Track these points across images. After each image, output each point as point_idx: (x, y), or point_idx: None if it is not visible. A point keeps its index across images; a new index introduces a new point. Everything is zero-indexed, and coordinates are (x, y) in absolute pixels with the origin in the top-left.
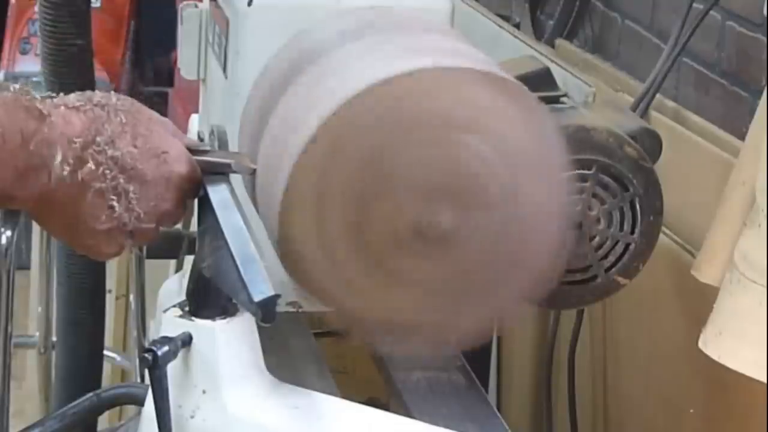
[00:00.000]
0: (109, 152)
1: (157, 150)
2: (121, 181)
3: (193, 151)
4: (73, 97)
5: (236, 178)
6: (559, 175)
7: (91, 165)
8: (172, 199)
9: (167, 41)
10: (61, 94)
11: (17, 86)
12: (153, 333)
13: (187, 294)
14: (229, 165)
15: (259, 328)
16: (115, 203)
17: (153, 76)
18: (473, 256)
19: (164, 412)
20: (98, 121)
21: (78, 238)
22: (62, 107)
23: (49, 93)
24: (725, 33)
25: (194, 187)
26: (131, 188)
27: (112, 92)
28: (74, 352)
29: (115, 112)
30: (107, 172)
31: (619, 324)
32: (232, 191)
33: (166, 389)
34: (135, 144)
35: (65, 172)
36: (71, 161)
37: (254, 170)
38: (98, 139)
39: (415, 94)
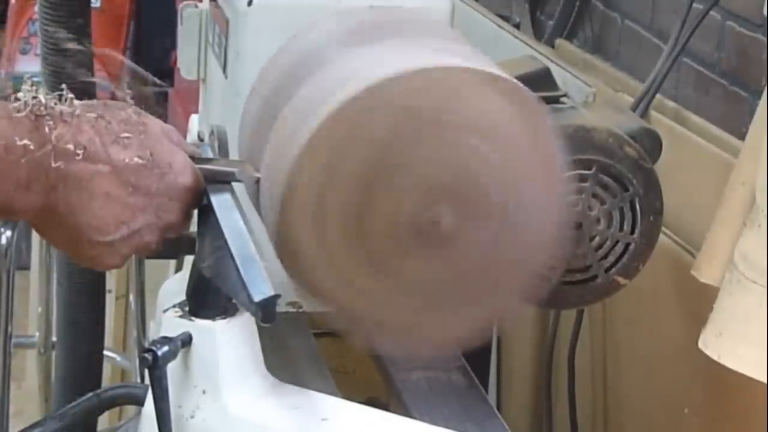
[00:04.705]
0: (113, 165)
1: (161, 161)
2: (125, 193)
3: (196, 159)
4: (80, 107)
5: (239, 185)
6: (559, 176)
7: (94, 177)
8: (176, 210)
9: (167, 41)
10: (67, 99)
11: (36, 96)
12: (153, 333)
13: (187, 294)
14: (233, 173)
15: (259, 328)
16: (118, 216)
17: (153, 77)
18: (473, 257)
19: (164, 412)
20: (103, 133)
21: (80, 249)
22: (67, 118)
23: (56, 95)
24: (725, 33)
25: (198, 197)
26: (135, 200)
27: (119, 101)
28: (74, 352)
29: (121, 123)
30: (110, 184)
31: (619, 324)
32: (235, 198)
33: (166, 389)
34: (140, 155)
35: (67, 184)
36: (74, 173)
37: (258, 179)
38: (102, 151)
39: (415, 94)
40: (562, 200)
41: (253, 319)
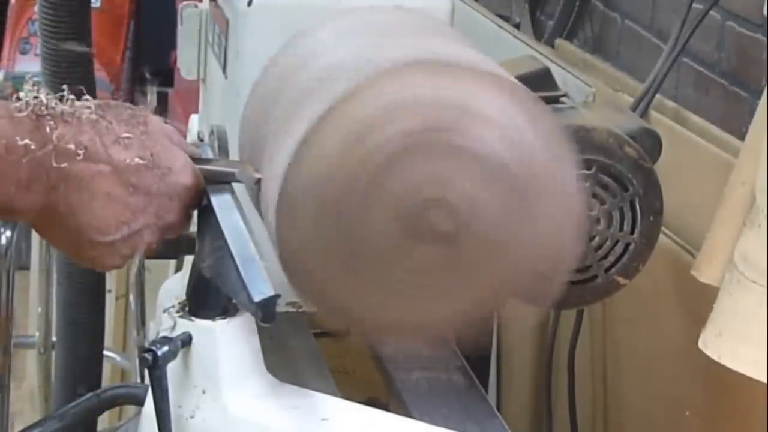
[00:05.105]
0: (114, 165)
1: (161, 162)
2: (125, 193)
3: (197, 160)
4: (81, 107)
5: (240, 186)
6: (563, 175)
7: (94, 178)
8: (176, 210)
9: (167, 41)
10: (68, 100)
11: (38, 96)
12: (153, 333)
13: (187, 294)
14: (233, 174)
15: (259, 328)
16: (118, 216)
17: (153, 76)
18: (473, 258)
19: (164, 412)
20: (104, 133)
21: (81, 250)
22: (68, 118)
23: (57, 96)
24: (725, 33)
25: (198, 198)
26: (135, 201)
27: (121, 102)
28: (74, 352)
29: (122, 123)
30: (111, 185)
31: (619, 324)
32: (235, 198)
33: (166, 389)
34: (141, 156)
35: (68, 185)
36: (74, 173)
37: (259, 179)
38: (103, 151)
39: (414, 94)
40: (569, 200)
41: (253, 319)
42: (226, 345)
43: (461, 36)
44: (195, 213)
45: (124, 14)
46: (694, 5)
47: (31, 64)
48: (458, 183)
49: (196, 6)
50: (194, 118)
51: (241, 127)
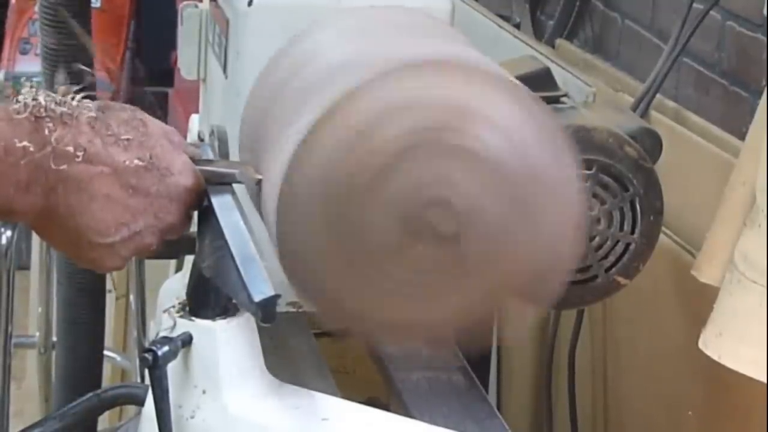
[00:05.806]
0: (113, 166)
1: (161, 163)
2: (125, 194)
3: (197, 161)
4: (80, 108)
5: (240, 187)
6: (564, 175)
7: (94, 179)
8: (176, 211)
9: (167, 41)
10: (67, 101)
11: (36, 98)
12: (153, 333)
13: (187, 294)
14: (233, 175)
15: (259, 328)
16: (118, 217)
17: (153, 76)
18: (474, 259)
19: (164, 412)
20: (103, 135)
21: (80, 251)
22: (67, 119)
23: (56, 97)
24: (725, 33)
25: (198, 199)
26: (135, 202)
27: (120, 103)
28: (74, 352)
29: (121, 124)
30: (110, 186)
31: (619, 324)
32: (236, 199)
33: (166, 389)
34: (140, 157)
35: (67, 186)
36: (74, 175)
37: (259, 180)
38: (102, 152)
39: (414, 94)
40: (569, 200)
41: (253, 319)
42: (226, 345)
43: (461, 36)
44: (195, 213)
45: (124, 14)
46: (695, 5)
47: (31, 64)
48: (459, 183)
49: (197, 6)
50: (194, 118)
51: (241, 127)
